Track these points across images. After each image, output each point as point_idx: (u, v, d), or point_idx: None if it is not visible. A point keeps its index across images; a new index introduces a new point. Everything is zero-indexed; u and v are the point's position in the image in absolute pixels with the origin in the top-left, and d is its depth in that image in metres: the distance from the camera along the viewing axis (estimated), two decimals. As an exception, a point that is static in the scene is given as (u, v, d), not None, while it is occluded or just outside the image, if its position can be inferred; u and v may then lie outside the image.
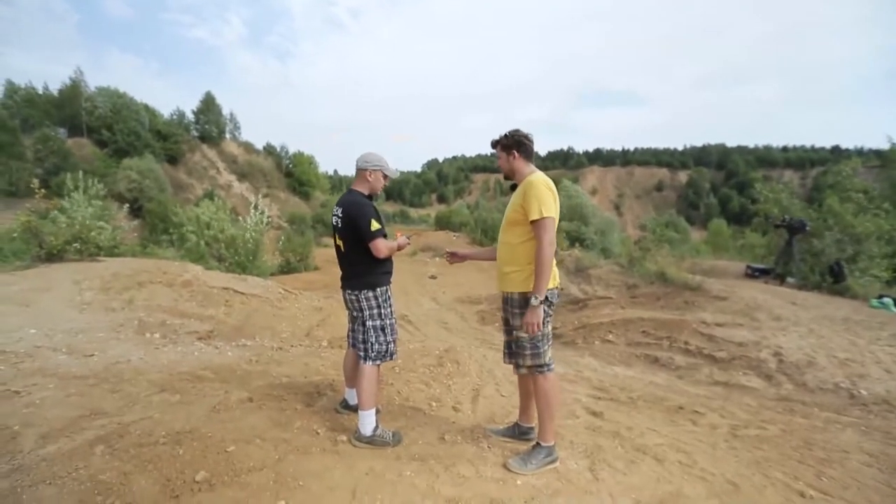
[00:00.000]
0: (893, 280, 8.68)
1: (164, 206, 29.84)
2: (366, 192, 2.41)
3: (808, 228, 8.12)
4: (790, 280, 8.29)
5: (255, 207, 12.85)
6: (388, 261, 2.42)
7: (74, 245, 6.06)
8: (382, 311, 2.37)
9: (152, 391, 2.70)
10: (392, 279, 2.52)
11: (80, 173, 13.37)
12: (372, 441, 2.21)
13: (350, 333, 2.60)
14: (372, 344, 2.34)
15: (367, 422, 2.22)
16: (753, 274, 8.97)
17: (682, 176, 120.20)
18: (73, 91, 42.35)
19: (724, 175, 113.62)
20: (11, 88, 42.01)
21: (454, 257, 2.70)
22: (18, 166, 32.56)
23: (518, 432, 2.38)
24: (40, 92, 43.38)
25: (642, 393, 3.91)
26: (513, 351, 2.24)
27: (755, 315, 6.01)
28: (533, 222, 2.01)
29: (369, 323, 2.36)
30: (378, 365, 2.37)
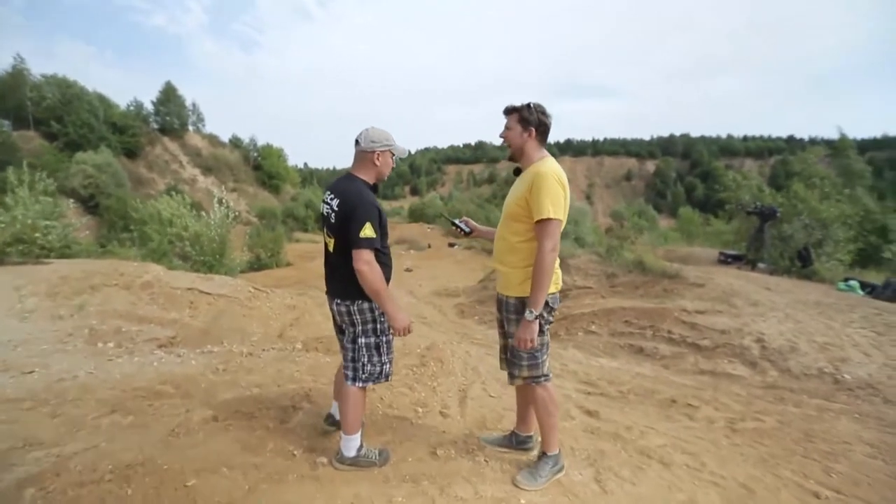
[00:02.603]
0: (855, 263, 9.02)
1: (123, 203, 28.29)
2: (370, 181, 1.98)
3: (778, 215, 8.31)
4: (761, 265, 8.49)
5: (220, 202, 12.21)
6: (385, 264, 1.98)
7: (17, 247, 5.49)
8: (378, 325, 1.97)
9: (101, 413, 2.38)
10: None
11: (24, 165, 12.32)
12: (356, 462, 1.96)
13: (342, 348, 2.20)
14: (363, 364, 1.97)
15: (352, 444, 1.97)
16: (726, 260, 9.15)
17: (650, 165, 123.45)
18: (16, 79, 39.38)
19: (689, 164, 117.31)
20: (-54, 77, 38.79)
21: (468, 226, 2.33)
22: (-44, 161, 30.16)
23: (515, 441, 2.20)
24: (-22, 81, 40.24)
25: (631, 386, 3.82)
26: (508, 360, 2.01)
27: (733, 301, 6.07)
28: (537, 223, 1.74)
29: (362, 340, 1.96)
30: (363, 388, 2.02)
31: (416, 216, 51.37)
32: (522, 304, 1.84)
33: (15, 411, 2.40)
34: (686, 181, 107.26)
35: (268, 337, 5.38)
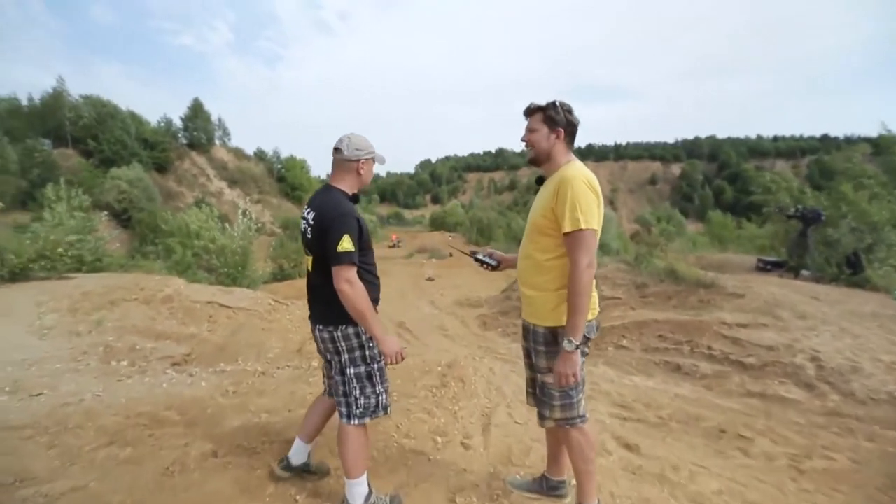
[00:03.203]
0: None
1: (153, 216, 29.19)
2: (350, 191, 1.80)
3: (823, 218, 7.74)
4: (805, 273, 7.92)
5: (244, 213, 12.32)
6: (372, 283, 1.79)
7: (40, 263, 5.55)
8: (367, 352, 1.76)
9: (99, 443, 2.23)
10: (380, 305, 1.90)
11: (61, 182, 12.78)
12: (365, 513, 1.74)
13: (325, 378, 2.00)
14: (356, 398, 1.74)
15: (358, 491, 1.74)
16: (765, 267, 8.59)
17: (675, 169, 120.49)
18: (56, 100, 41.46)
19: (716, 167, 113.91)
20: (-6, 100, 41.10)
21: (493, 258, 2.01)
22: (3, 179, 31.79)
23: (546, 487, 1.92)
24: (24, 102, 42.54)
25: (672, 410, 3.49)
26: (537, 396, 1.74)
27: (777, 313, 5.61)
28: (567, 235, 1.49)
29: (350, 371, 1.74)
30: (362, 425, 1.78)
31: (437, 224, 51.47)
32: (553, 334, 1.59)
33: (14, 440, 2.28)
34: (714, 184, 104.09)
35: (286, 352, 5.25)
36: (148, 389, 3.15)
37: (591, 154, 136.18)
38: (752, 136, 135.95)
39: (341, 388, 1.78)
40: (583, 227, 1.47)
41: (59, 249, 5.73)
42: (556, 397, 1.63)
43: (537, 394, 1.73)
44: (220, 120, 55.24)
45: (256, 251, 13.43)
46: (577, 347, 1.49)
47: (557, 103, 1.62)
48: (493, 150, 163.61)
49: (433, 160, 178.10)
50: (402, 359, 1.69)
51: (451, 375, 4.04)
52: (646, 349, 5.39)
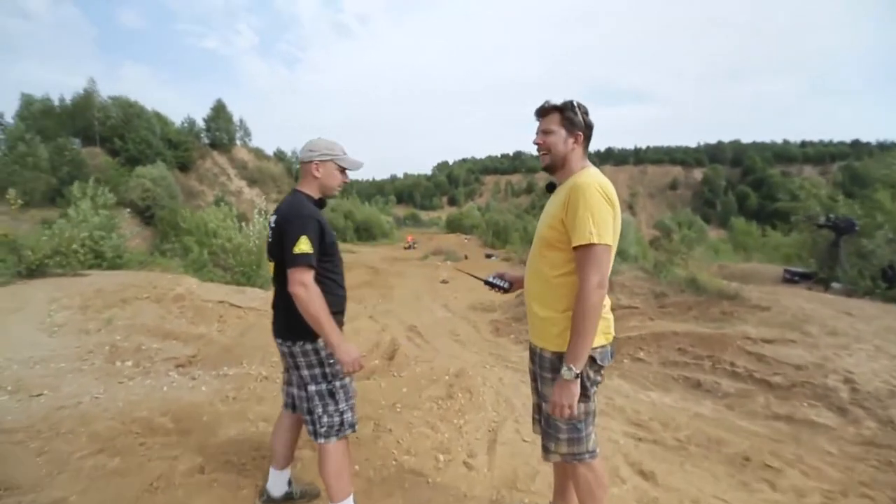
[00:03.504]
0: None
1: (174, 214, 29.85)
2: (315, 195, 1.75)
3: (857, 228, 7.35)
4: (835, 286, 7.53)
5: (261, 213, 12.41)
6: (335, 294, 1.69)
7: (55, 259, 5.61)
8: (328, 368, 1.68)
9: (89, 451, 2.17)
10: (347, 317, 1.87)
11: (91, 181, 13.10)
12: (352, 542, 1.63)
13: (285, 388, 1.89)
14: (319, 417, 1.66)
15: None
16: (793, 279, 8.21)
17: (697, 174, 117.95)
18: (86, 101, 42.85)
19: (740, 172, 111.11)
20: (28, 100, 42.66)
21: (505, 279, 1.86)
22: (33, 176, 32.95)
23: (553, 520, 1.78)
24: (56, 103, 44.04)
25: (691, 432, 3.27)
26: (542, 427, 1.58)
27: (806, 329, 5.30)
28: (576, 249, 1.35)
29: (312, 388, 1.67)
30: (341, 440, 1.69)
31: (453, 227, 51.37)
32: (561, 360, 1.43)
33: (5, 445, 2.23)
34: (737, 190, 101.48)
35: (292, 355, 5.19)
36: (148, 393, 3.10)
37: (611, 158, 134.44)
38: (778, 140, 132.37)
39: (305, 404, 1.71)
40: (595, 241, 1.31)
41: (74, 246, 5.79)
42: (562, 430, 1.47)
43: (543, 425, 1.57)
44: (241, 121, 56.24)
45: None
46: (577, 376, 1.34)
47: (575, 103, 1.47)
48: (511, 153, 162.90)
49: (450, 162, 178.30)
50: (361, 367, 1.61)
51: (458, 386, 3.91)
52: (664, 363, 5.16)
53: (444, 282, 18.55)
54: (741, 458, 2.74)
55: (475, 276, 1.95)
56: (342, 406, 1.70)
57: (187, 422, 2.58)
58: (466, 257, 27.69)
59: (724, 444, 3.03)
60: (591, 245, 1.32)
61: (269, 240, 1.72)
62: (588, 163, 1.51)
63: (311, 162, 1.73)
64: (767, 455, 2.79)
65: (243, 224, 12.45)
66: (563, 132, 1.47)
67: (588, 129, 1.49)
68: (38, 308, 4.81)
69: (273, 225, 1.68)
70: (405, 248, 35.21)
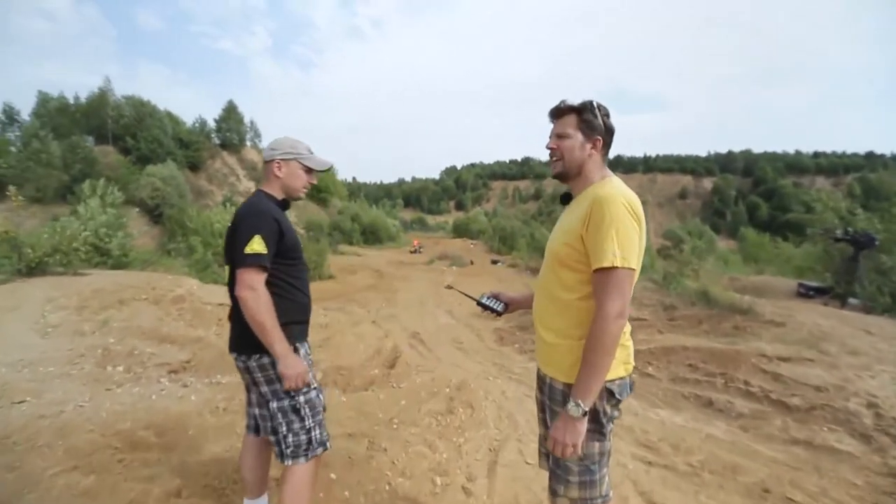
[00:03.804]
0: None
1: (182, 213, 30.05)
2: (278, 195, 1.63)
3: (877, 243, 7.11)
4: (853, 301, 7.28)
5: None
6: (295, 301, 1.57)
7: (54, 257, 5.55)
8: None
9: (63, 468, 2.04)
10: (310, 327, 1.70)
11: (101, 180, 13.16)
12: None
13: (247, 409, 1.73)
14: (284, 436, 1.53)
15: None
16: (807, 293, 7.96)
17: (707, 183, 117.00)
18: (101, 100, 43.41)
19: (751, 182, 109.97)
20: (44, 99, 43.30)
21: (501, 299, 1.72)
22: (46, 173, 33.36)
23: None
24: (71, 102, 44.63)
25: (704, 456, 3.09)
26: (550, 466, 1.40)
27: (823, 347, 5.09)
28: (596, 272, 1.19)
29: (273, 404, 1.53)
30: (310, 461, 1.56)
31: (460, 231, 51.22)
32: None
33: (-23, 458, 2.11)
34: (748, 200, 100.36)
35: (291, 361, 5.06)
36: (135, 401, 2.98)
37: (620, 165, 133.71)
38: (790, 150, 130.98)
39: (269, 423, 1.58)
40: (617, 264, 1.15)
41: (75, 244, 5.73)
42: (573, 472, 1.30)
43: (551, 463, 1.39)
44: (252, 122, 56.63)
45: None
46: (584, 414, 1.17)
47: (595, 104, 1.31)
48: (519, 159, 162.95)
49: (459, 167, 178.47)
50: (306, 383, 1.48)
51: (459, 399, 3.76)
52: (674, 379, 4.96)
53: (449, 287, 18.40)
54: (760, 489, 2.56)
55: (468, 296, 1.78)
56: (308, 423, 1.55)
57: (172, 435, 2.46)
58: (472, 262, 27.49)
59: (741, 471, 2.85)
60: (613, 269, 1.15)
61: (227, 241, 1.59)
62: (609, 172, 1.34)
63: (272, 161, 1.62)
64: (788, 486, 2.60)
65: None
66: (579, 136, 1.31)
67: (609, 133, 1.33)
68: (34, 307, 4.73)
69: (230, 224, 1.55)
70: (411, 252, 35.10)
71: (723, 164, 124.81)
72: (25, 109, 42.53)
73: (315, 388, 1.59)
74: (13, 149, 35.56)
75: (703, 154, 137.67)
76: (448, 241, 44.27)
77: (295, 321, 1.57)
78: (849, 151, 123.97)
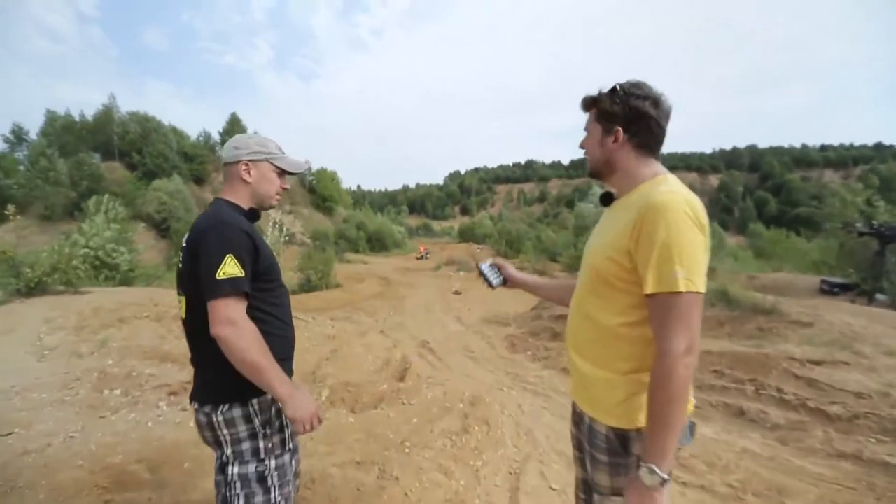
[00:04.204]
0: None
1: (187, 226, 30.15)
2: (244, 204, 1.33)
3: (904, 236, 6.81)
4: (880, 297, 6.97)
5: (274, 225, 12.26)
6: (277, 335, 1.27)
7: (53, 276, 5.43)
8: (262, 442, 1.22)
9: (43, 512, 1.85)
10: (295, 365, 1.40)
11: (105, 196, 13.17)
12: None
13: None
14: None
15: None
16: (831, 290, 7.64)
17: (713, 180, 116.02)
18: (106, 117, 43.95)
19: (758, 177, 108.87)
20: (52, 117, 43.91)
21: (502, 273, 1.54)
22: (54, 191, 33.71)
23: None
24: (77, 119, 45.20)
25: (743, 475, 2.84)
26: None
27: (858, 348, 4.81)
28: (651, 298, 0.94)
29: (234, 469, 1.21)
30: None
31: (465, 236, 51.06)
32: (623, 440, 1.05)
33: (-49, 502, 1.93)
34: (756, 195, 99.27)
35: (298, 376, 4.83)
36: (129, 429, 2.79)
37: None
38: (797, 144, 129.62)
39: (222, 491, 1.23)
40: (681, 288, 0.90)
41: (74, 262, 5.61)
42: None
43: None
44: (256, 133, 57.02)
45: (286, 262, 13.33)
46: (664, 482, 0.91)
47: (618, 87, 1.08)
48: (523, 162, 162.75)
49: (462, 171, 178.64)
50: (320, 422, 1.18)
51: (473, 416, 3.54)
52: (699, 386, 4.70)
53: (456, 293, 18.15)
54: (813, 516, 2.31)
55: (477, 264, 1.60)
56: (274, 495, 1.23)
57: (165, 470, 2.26)
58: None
59: (788, 492, 2.60)
60: (676, 294, 0.90)
61: (179, 265, 1.27)
62: (660, 167, 1.09)
63: (237, 162, 1.31)
64: (843, 510, 2.35)
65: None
66: (598, 129, 1.12)
67: (638, 117, 1.05)
68: (32, 329, 4.58)
69: (185, 243, 1.22)
70: (417, 259, 34.95)
71: (728, 160, 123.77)
72: (34, 129, 43.13)
73: (290, 450, 1.29)
74: (21, 168, 36.01)
75: (708, 151, 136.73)
76: (454, 247, 44.11)
77: (281, 358, 1.27)
78: (857, 143, 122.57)
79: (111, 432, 2.69)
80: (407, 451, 2.79)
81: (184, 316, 1.24)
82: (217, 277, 1.09)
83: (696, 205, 0.96)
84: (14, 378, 3.53)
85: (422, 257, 35.53)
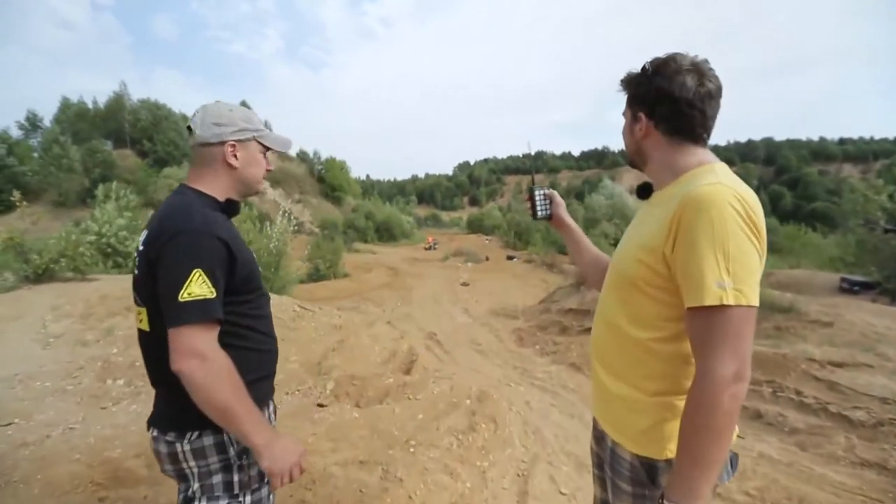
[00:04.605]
0: None
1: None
2: (221, 195, 1.09)
3: (930, 234, 6.55)
4: (903, 297, 6.74)
5: (283, 214, 12.19)
6: (259, 350, 1.10)
7: (60, 263, 5.42)
8: (236, 476, 1.04)
9: (36, 509, 1.79)
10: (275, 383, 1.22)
11: (114, 184, 13.25)
12: None
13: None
14: None
15: None
16: (851, 289, 7.41)
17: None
18: (118, 104, 44.24)
19: (773, 171, 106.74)
20: (66, 105, 44.30)
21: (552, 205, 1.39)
22: (67, 177, 34.11)
23: None
24: (90, 107, 45.56)
25: (762, 483, 2.72)
26: None
27: (881, 350, 4.63)
28: (693, 312, 0.79)
29: None
30: None
31: (474, 227, 50.83)
32: (651, 470, 0.91)
33: (-55, 496, 1.89)
34: (770, 189, 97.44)
35: (303, 367, 4.81)
36: (130, 422, 2.75)
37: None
38: (814, 137, 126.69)
39: None
40: (729, 301, 0.75)
41: (81, 248, 5.59)
42: None
43: None
44: (265, 122, 56.74)
45: (294, 250, 13.29)
46: None
47: (647, 65, 0.94)
48: (533, 153, 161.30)
49: (472, 162, 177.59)
50: (301, 472, 0.99)
51: (481, 413, 3.45)
52: (714, 386, 4.57)
53: (464, 284, 18.09)
54: (839, 530, 2.20)
55: (532, 180, 1.49)
56: None
57: (163, 466, 2.20)
58: (488, 259, 27.15)
59: (809, 502, 2.49)
60: (722, 309, 0.75)
61: (136, 271, 1.04)
62: (706, 155, 0.92)
63: (223, 143, 1.07)
64: (871, 525, 2.23)
65: (267, 224, 12.26)
66: (628, 115, 1.00)
67: (663, 99, 0.90)
68: (38, 316, 4.57)
69: (142, 245, 1.01)
70: (426, 249, 34.92)
71: (743, 153, 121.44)
72: (49, 116, 43.61)
73: (267, 484, 1.10)
74: (35, 154, 36.46)
75: (723, 143, 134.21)
76: (463, 238, 43.96)
77: (262, 376, 1.11)
78: (877, 137, 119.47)
79: (111, 424, 2.64)
80: (412, 450, 2.71)
81: (146, 328, 1.03)
82: (180, 299, 0.89)
83: (749, 199, 0.80)
84: (19, 365, 3.51)
85: (430, 248, 35.48)
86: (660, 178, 0.97)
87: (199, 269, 0.92)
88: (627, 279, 0.93)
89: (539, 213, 1.37)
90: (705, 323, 0.78)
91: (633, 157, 1.02)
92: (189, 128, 1.08)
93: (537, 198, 1.37)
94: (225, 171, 1.09)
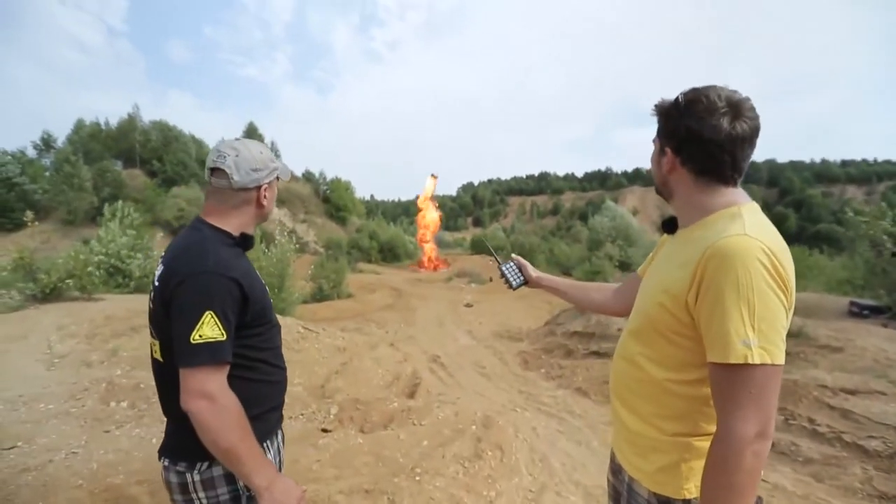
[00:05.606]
0: None
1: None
2: (236, 231, 1.11)
3: (941, 258, 6.49)
4: (914, 322, 6.63)
5: (287, 233, 12.26)
6: (268, 381, 1.13)
7: (67, 282, 5.46)
8: None
9: (37, 539, 1.76)
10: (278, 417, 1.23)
11: (120, 203, 13.44)
12: None
13: None
14: None
15: None
16: (861, 313, 7.31)
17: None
18: (129, 125, 45.27)
19: (777, 193, 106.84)
20: (80, 125, 45.39)
21: (522, 274, 1.49)
22: (77, 196, 34.64)
23: None
24: (102, 127, 46.60)
25: (778, 516, 2.65)
26: None
27: (893, 376, 4.54)
28: (717, 367, 0.78)
29: None
30: None
31: (478, 248, 50.83)
32: None
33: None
34: (774, 211, 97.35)
35: (306, 391, 4.77)
36: (133, 446, 2.72)
37: (640, 178, 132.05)
38: (817, 159, 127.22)
39: None
40: (754, 360, 0.73)
41: (90, 268, 5.64)
42: None
43: None
44: (272, 143, 58.15)
45: (298, 270, 13.32)
46: None
47: (680, 98, 0.91)
48: (536, 174, 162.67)
49: (475, 183, 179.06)
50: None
51: (486, 440, 3.39)
52: (724, 413, 4.48)
53: (468, 305, 17.99)
54: (860, 568, 2.12)
55: (494, 257, 1.60)
56: None
57: (166, 494, 2.17)
58: (491, 280, 27.06)
59: (828, 538, 2.40)
60: (747, 367, 0.74)
61: (151, 305, 1.07)
62: (737, 195, 0.91)
63: (259, 188, 1.11)
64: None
65: (270, 245, 12.32)
66: (657, 146, 0.98)
67: (693, 139, 0.87)
68: (44, 336, 4.59)
69: (157, 282, 1.03)
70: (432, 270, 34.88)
71: (746, 174, 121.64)
72: (63, 137, 44.65)
73: None
74: (47, 174, 37.17)
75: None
76: (466, 258, 43.92)
77: (271, 408, 1.14)
78: (880, 159, 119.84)
79: (114, 449, 2.62)
80: (417, 478, 2.66)
81: (160, 359, 1.06)
82: (192, 341, 0.92)
83: (778, 252, 0.78)
84: (22, 387, 3.50)
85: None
86: (685, 215, 0.96)
87: (212, 312, 0.94)
88: (650, 321, 0.92)
89: (514, 284, 1.52)
90: (729, 380, 0.76)
91: (660, 188, 1.02)
92: (218, 169, 1.07)
93: (507, 272, 1.53)
94: (254, 211, 1.14)
